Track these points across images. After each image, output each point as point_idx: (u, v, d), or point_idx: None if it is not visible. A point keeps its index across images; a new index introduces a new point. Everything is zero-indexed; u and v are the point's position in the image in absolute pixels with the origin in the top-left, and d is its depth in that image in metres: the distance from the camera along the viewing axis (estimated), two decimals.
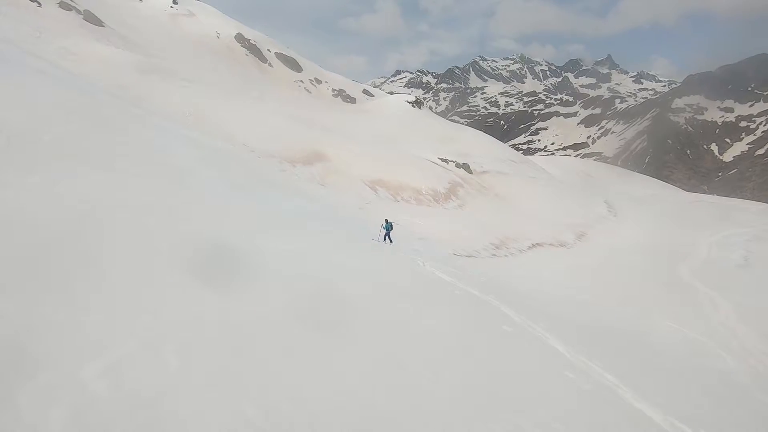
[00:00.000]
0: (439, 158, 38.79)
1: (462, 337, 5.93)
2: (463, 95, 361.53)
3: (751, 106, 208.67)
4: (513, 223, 28.86)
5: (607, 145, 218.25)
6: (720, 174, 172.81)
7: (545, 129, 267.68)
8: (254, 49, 62.69)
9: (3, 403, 2.21)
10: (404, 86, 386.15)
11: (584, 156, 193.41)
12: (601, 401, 5.29)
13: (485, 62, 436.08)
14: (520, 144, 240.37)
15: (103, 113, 11.39)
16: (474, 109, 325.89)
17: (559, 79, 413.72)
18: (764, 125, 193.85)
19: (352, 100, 63.22)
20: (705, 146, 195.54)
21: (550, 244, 26.35)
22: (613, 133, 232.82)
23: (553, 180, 46.78)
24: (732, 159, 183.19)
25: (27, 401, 2.26)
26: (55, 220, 4.37)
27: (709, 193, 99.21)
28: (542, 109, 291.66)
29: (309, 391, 3.28)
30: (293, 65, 65.13)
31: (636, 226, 33.23)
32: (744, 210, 40.57)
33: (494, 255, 21.73)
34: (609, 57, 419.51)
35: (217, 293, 4.21)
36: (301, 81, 62.85)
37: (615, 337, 10.72)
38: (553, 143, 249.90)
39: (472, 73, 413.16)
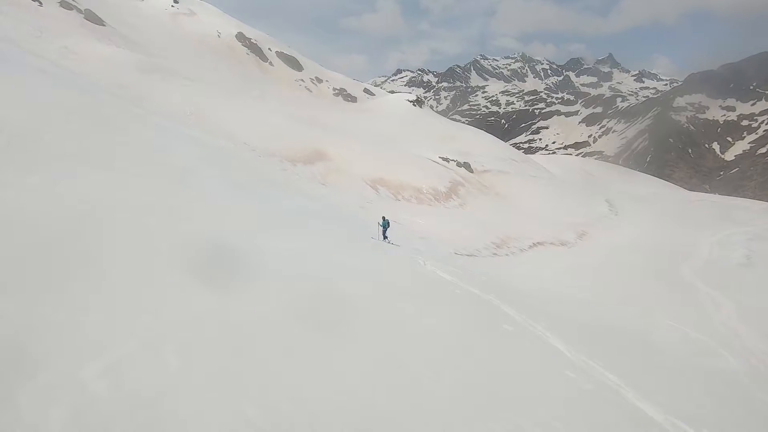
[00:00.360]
0: (440, 157, 38.75)
1: (462, 336, 5.92)
2: (464, 94, 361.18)
3: (752, 104, 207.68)
4: (514, 222, 28.84)
5: (609, 144, 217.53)
6: (721, 173, 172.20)
7: (546, 128, 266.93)
8: (255, 48, 62.70)
9: (3, 403, 2.21)
10: (405, 85, 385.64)
11: (585, 155, 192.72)
12: (602, 401, 5.28)
13: (486, 61, 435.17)
14: (521, 143, 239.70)
15: (103, 113, 11.39)
16: (475, 108, 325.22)
17: (561, 78, 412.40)
18: (766, 124, 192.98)
19: (353, 99, 63.21)
20: (706, 145, 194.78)
21: (551, 243, 26.32)
22: (614, 132, 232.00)
23: (554, 179, 46.68)
24: (733, 158, 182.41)
25: (27, 401, 2.26)
26: (55, 220, 4.37)
27: (711, 192, 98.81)
28: (543, 108, 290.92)
29: (309, 390, 3.28)
30: (294, 64, 65.13)
31: (637, 225, 33.15)
32: (746, 209, 40.45)
33: (495, 254, 21.73)
34: (610, 56, 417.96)
35: (218, 293, 4.21)
36: (302, 80, 62.85)
37: (616, 336, 10.69)
38: (554, 142, 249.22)
39: (473, 72, 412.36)
